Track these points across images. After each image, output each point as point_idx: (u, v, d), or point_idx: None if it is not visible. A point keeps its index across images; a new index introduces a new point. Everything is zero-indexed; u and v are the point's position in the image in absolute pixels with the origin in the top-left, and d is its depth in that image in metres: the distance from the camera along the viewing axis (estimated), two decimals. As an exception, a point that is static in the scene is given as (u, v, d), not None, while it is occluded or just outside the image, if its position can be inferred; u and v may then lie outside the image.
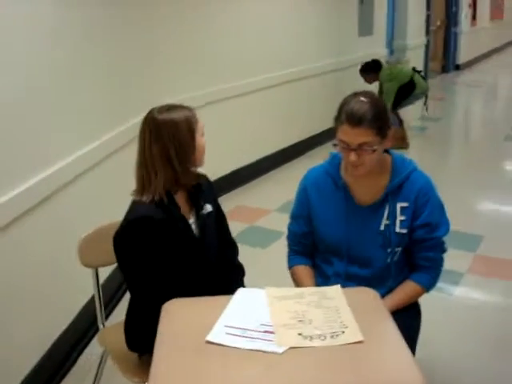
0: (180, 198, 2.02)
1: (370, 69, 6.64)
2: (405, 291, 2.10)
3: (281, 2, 5.85)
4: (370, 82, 6.63)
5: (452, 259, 3.85)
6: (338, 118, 1.97)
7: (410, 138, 6.76)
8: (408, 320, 2.05)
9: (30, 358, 2.58)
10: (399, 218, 2.05)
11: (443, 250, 2.14)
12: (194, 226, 2.05)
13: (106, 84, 3.35)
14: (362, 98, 1.95)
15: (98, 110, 3.24)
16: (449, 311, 3.39)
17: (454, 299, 3.52)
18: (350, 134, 1.92)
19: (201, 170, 2.13)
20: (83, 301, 3.04)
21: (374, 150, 1.94)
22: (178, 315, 1.81)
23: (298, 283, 2.20)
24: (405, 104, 6.77)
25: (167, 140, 1.89)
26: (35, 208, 2.54)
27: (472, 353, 2.96)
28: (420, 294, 2.14)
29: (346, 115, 1.92)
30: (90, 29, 3.16)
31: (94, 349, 2.93)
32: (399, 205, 2.06)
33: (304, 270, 2.22)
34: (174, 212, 1.96)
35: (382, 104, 2.02)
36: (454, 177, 6.06)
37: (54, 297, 2.76)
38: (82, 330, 3.02)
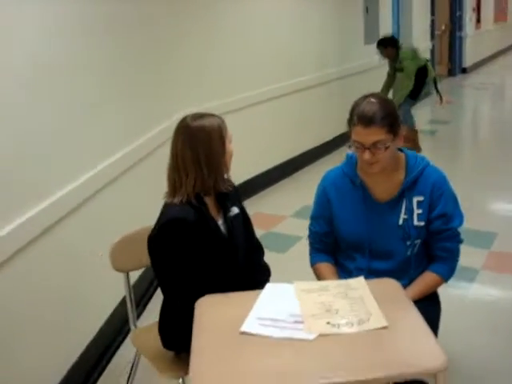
0: (209, 201, 2.14)
1: (388, 43, 6.60)
2: (425, 281, 2.20)
3: (288, 13, 5.99)
4: (386, 55, 6.61)
5: (467, 256, 3.93)
6: (350, 121, 2.09)
7: (421, 141, 6.83)
8: (429, 308, 2.14)
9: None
10: (416, 211, 2.16)
11: (459, 241, 2.24)
12: (222, 228, 2.16)
13: (121, 99, 3.44)
14: (372, 99, 2.06)
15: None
16: (465, 306, 3.47)
17: (470, 295, 3.60)
18: (362, 134, 2.03)
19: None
20: (103, 318, 3.09)
21: (387, 148, 2.04)
22: (212, 310, 1.91)
23: (321, 279, 2.29)
24: (422, 95, 6.85)
25: (200, 145, 2.02)
26: (45, 233, 2.50)
27: (487, 344, 3.04)
28: (439, 284, 2.24)
29: (358, 116, 2.04)
30: (105, 52, 3.24)
31: (124, 352, 3.04)
32: (415, 199, 2.16)
33: (327, 267, 2.31)
34: (204, 213, 2.07)
35: (392, 104, 2.13)
36: (465, 177, 6.13)
37: (70, 320, 2.76)
38: (113, 334, 3.12)
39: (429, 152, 6.88)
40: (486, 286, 3.71)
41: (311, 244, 2.40)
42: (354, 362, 1.60)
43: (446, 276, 2.23)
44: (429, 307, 2.18)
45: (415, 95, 6.58)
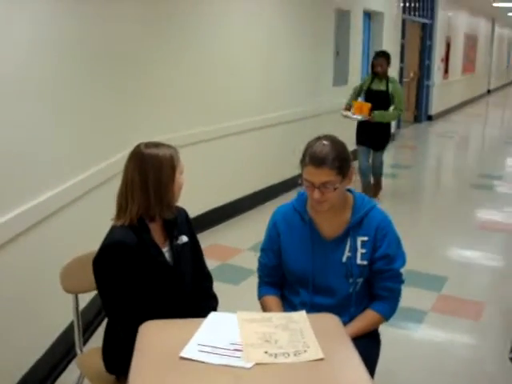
0: (154, 227, 2.18)
1: (389, 58, 6.30)
2: (365, 319, 2.26)
3: (258, 51, 6.12)
4: (382, 70, 6.18)
5: (417, 298, 4.11)
6: (303, 160, 2.17)
7: (383, 184, 6.95)
8: (368, 347, 2.20)
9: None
10: (360, 250, 2.23)
11: (401, 281, 2.31)
12: (167, 255, 2.20)
13: (88, 122, 3.52)
14: (324, 142, 2.15)
15: (80, 147, 3.41)
16: (412, 348, 3.55)
17: (417, 336, 3.68)
18: (313, 174, 2.12)
19: (183, 204, 2.32)
20: (59, 330, 3.14)
21: (336, 188, 2.13)
22: (154, 335, 1.94)
23: (267, 312, 2.34)
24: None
25: (150, 172, 2.08)
26: (20, 235, 2.68)
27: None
28: (379, 323, 2.31)
29: (310, 157, 2.12)
30: (69, 72, 3.29)
31: (68, 376, 3.03)
32: (360, 239, 2.24)
33: (273, 300, 2.37)
34: (145, 237, 2.11)
35: (343, 146, 2.21)
36: (423, 222, 6.32)
37: (31, 324, 2.85)
38: (58, 357, 3.11)
39: (389, 195, 7.06)
40: (434, 328, 3.80)
41: (260, 277, 2.45)
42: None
43: (387, 315, 2.29)
44: (368, 345, 2.24)
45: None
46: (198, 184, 5.18)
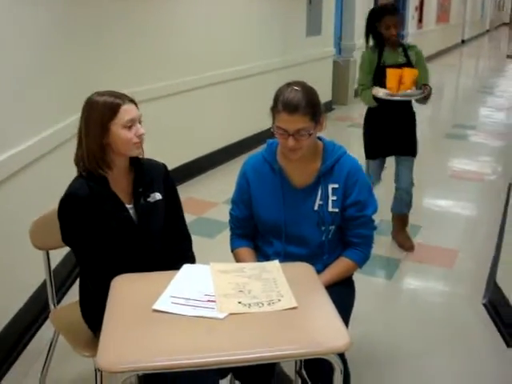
0: (119, 181, 2.13)
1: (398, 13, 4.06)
2: (339, 266, 2.26)
3: (231, 2, 5.98)
4: (397, 28, 3.85)
5: (392, 247, 4.13)
6: (275, 107, 2.12)
7: (359, 135, 6.92)
8: (342, 295, 2.20)
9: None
10: (331, 198, 2.22)
11: (373, 228, 2.31)
12: (132, 211, 2.15)
13: (51, 76, 3.43)
14: (296, 87, 2.10)
15: (44, 103, 3.33)
16: (387, 295, 3.61)
17: (392, 284, 3.73)
18: (287, 121, 2.07)
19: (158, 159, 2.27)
20: (34, 287, 3.12)
21: (310, 134, 2.10)
22: (126, 289, 1.92)
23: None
24: None
25: (82, 120, 2.04)
26: None
27: (407, 332, 3.17)
28: (353, 270, 2.31)
29: (283, 104, 2.07)
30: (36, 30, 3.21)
31: (44, 333, 3.02)
32: (331, 186, 2.22)
33: (246, 252, 2.35)
34: (100, 189, 2.06)
35: (314, 92, 2.17)
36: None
37: (5, 283, 2.83)
38: (34, 314, 3.10)
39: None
40: (408, 276, 3.85)
41: (232, 229, 2.43)
42: (263, 340, 1.64)
43: (360, 262, 2.29)
44: (343, 292, 2.25)
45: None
46: (171, 138, 5.13)
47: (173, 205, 2.30)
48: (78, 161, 2.07)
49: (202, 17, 5.55)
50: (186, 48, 5.35)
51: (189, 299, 1.80)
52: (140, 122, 2.09)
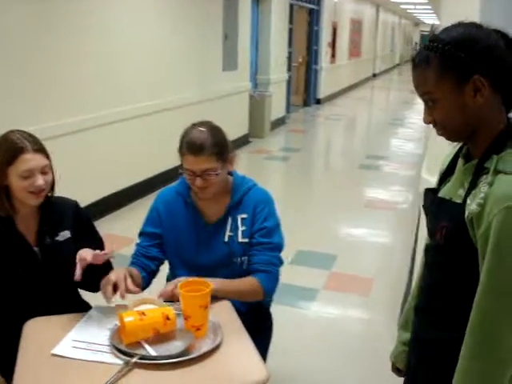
0: (27, 221, 2.06)
1: None
2: (243, 280, 2.15)
3: (144, 36, 5.97)
4: None
5: (309, 277, 4.19)
6: (180, 149, 2.12)
7: (274, 167, 7.03)
8: (260, 329, 2.17)
9: None
10: (241, 228, 2.20)
11: (279, 259, 2.22)
12: (37, 251, 2.07)
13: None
14: (201, 128, 2.11)
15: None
16: (306, 326, 3.62)
17: (310, 314, 3.75)
18: (193, 163, 2.07)
19: (71, 195, 2.21)
20: None
21: (218, 174, 2.09)
22: (36, 333, 1.84)
23: None
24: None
25: None
26: None
27: (327, 363, 3.18)
28: (256, 292, 2.15)
29: (187, 145, 2.08)
30: None
31: None
32: (240, 216, 2.20)
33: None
34: (4, 229, 2.00)
35: (220, 131, 2.16)
36: (313, 203, 6.45)
37: None
38: None
39: (280, 177, 7.17)
40: (326, 305, 3.89)
41: (132, 258, 2.33)
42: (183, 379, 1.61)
43: (265, 286, 2.15)
44: (261, 327, 2.24)
45: None
46: (86, 173, 5.03)
47: (88, 239, 2.19)
48: None
49: (117, 51, 5.49)
50: (103, 81, 5.27)
51: (91, 343, 1.73)
52: (45, 172, 2.00)
